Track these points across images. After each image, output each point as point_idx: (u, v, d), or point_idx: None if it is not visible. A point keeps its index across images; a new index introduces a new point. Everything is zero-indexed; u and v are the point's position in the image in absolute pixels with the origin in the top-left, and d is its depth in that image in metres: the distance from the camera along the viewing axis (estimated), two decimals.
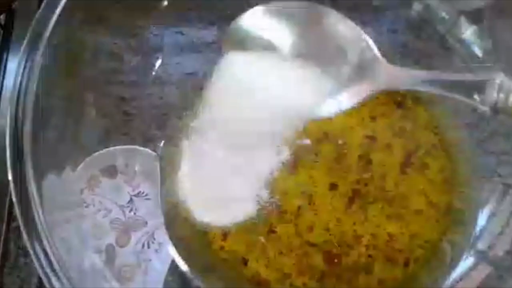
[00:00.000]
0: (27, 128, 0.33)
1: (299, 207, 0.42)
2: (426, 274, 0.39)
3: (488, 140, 0.42)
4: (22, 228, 0.30)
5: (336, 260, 0.40)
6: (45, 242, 0.30)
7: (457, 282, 0.36)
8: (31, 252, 0.30)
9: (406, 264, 0.40)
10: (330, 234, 0.41)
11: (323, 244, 0.41)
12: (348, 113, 0.41)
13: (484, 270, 0.37)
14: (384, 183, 0.42)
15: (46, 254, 0.30)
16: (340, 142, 0.43)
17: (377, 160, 0.43)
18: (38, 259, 0.30)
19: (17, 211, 0.31)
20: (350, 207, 0.41)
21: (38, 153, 0.34)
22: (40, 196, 0.32)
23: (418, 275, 0.39)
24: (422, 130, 0.43)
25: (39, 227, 0.31)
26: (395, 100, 0.45)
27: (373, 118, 0.44)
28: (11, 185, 0.32)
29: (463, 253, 0.38)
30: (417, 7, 0.42)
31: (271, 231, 0.41)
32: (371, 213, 0.41)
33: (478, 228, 0.38)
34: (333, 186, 0.42)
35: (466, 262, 0.37)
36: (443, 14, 0.40)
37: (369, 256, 0.40)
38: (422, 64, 0.45)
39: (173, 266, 0.42)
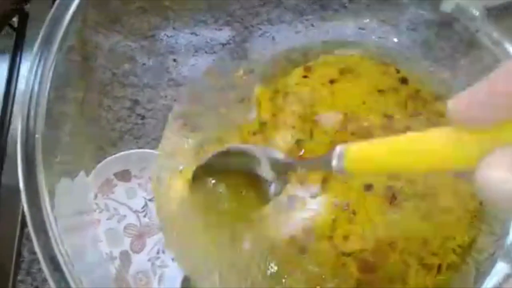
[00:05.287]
0: (39, 133, 0.33)
1: (333, 220, 0.40)
2: (457, 282, 0.37)
3: None
4: (33, 236, 0.29)
5: (371, 269, 0.38)
6: (56, 251, 0.29)
7: None
8: (41, 260, 0.29)
9: (439, 270, 0.38)
10: (365, 242, 0.39)
11: (358, 253, 0.39)
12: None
13: None
14: (414, 177, 0.40)
15: (57, 264, 0.29)
16: None
17: None
18: (48, 268, 0.29)
19: (28, 219, 0.30)
20: (386, 206, 0.40)
21: (51, 159, 0.33)
22: (52, 203, 0.31)
23: (449, 284, 0.37)
24: None
25: (50, 235, 0.30)
26: None
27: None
28: (22, 192, 0.31)
29: (495, 262, 0.36)
30: (446, 4, 0.40)
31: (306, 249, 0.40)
32: (405, 212, 0.39)
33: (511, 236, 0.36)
34: (368, 187, 0.41)
35: (498, 271, 0.35)
36: (473, 11, 0.38)
37: (404, 262, 0.38)
38: (445, 63, 0.44)
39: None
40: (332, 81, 0.45)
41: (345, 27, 0.48)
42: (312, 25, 0.48)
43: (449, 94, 0.40)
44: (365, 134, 0.42)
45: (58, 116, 0.36)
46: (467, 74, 0.42)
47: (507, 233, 0.36)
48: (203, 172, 0.38)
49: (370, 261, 0.38)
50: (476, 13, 0.37)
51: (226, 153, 0.37)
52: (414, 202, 0.40)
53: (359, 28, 0.48)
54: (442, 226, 0.39)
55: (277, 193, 0.36)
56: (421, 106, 0.44)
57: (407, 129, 0.42)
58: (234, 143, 0.42)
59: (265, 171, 0.35)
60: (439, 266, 0.38)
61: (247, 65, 0.47)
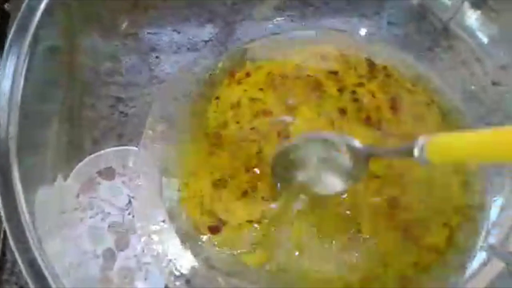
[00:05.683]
0: (14, 135, 0.32)
1: None
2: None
3: None
4: (11, 241, 0.29)
5: None
6: (35, 254, 0.29)
7: (469, 279, 0.34)
8: (21, 265, 0.29)
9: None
10: None
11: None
12: None
13: (496, 267, 0.36)
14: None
15: (37, 267, 0.29)
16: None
17: None
18: (27, 271, 0.29)
19: (5, 226, 0.30)
20: None
21: (28, 161, 0.33)
22: (31, 207, 0.31)
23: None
24: None
25: (29, 238, 0.30)
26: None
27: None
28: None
29: (476, 247, 0.36)
30: None
31: None
32: None
33: (489, 222, 0.37)
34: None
35: (478, 257, 0.36)
36: (446, 1, 0.39)
37: None
38: (426, 57, 0.44)
39: (174, 269, 0.41)
40: None
41: (326, 22, 0.49)
42: (292, 21, 0.48)
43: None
44: None
45: (36, 116, 0.36)
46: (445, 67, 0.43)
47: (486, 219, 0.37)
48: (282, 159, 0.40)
49: None
50: (449, 2, 0.38)
51: (306, 140, 0.39)
52: None
53: (342, 23, 0.49)
54: None
55: (357, 179, 0.37)
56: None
57: None
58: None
59: (345, 158, 0.36)
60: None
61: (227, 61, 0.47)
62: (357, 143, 0.36)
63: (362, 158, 0.36)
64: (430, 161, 0.28)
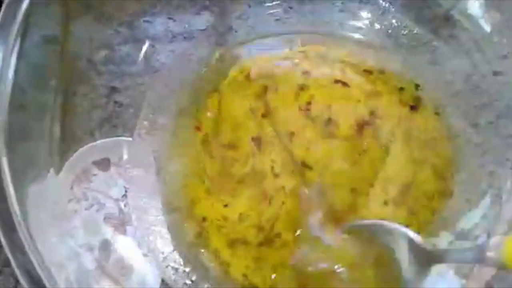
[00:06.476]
0: (3, 124, 0.32)
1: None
2: None
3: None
4: (1, 234, 0.29)
5: None
6: (27, 250, 0.29)
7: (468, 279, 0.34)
8: (11, 259, 0.29)
9: None
10: None
11: None
12: None
13: (490, 271, 0.35)
14: None
15: (29, 263, 0.29)
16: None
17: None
18: (19, 268, 0.28)
19: None
20: None
21: (20, 150, 0.32)
22: (23, 196, 0.31)
23: None
24: None
25: (20, 235, 0.29)
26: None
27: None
28: None
29: None
30: None
31: None
32: None
33: None
34: None
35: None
36: None
37: None
38: (426, 49, 0.44)
39: (170, 261, 0.40)
40: None
41: (326, 12, 0.48)
42: (290, 8, 0.47)
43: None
44: None
45: (28, 106, 0.35)
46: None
47: None
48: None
49: None
50: None
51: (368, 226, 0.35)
52: None
53: (340, 11, 0.48)
54: None
55: (414, 282, 0.31)
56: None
57: None
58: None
59: (403, 255, 0.32)
60: None
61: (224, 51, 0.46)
62: (418, 239, 0.31)
63: (423, 259, 0.31)
64: (506, 263, 0.25)
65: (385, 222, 0.34)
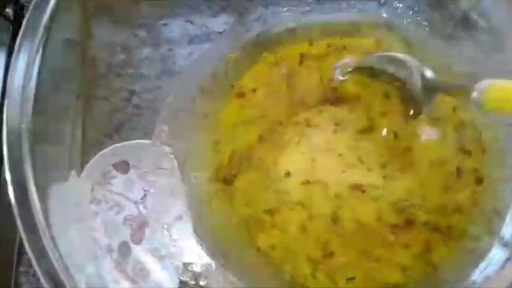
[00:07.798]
0: (27, 128, 0.32)
1: None
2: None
3: None
4: (23, 236, 0.30)
5: None
6: (48, 250, 0.29)
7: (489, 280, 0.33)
8: (33, 262, 0.29)
9: None
10: None
11: None
12: None
13: None
14: None
15: (50, 263, 0.29)
16: None
17: None
18: (42, 269, 0.29)
19: (20, 229, 0.30)
20: None
21: (43, 153, 0.33)
22: (45, 197, 0.31)
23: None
24: None
25: (41, 235, 0.30)
26: None
27: None
28: (11, 196, 0.31)
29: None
30: None
31: None
32: None
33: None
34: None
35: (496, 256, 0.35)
36: None
37: None
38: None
39: (188, 265, 0.41)
40: None
41: (343, 10, 0.47)
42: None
43: None
44: None
45: (50, 109, 0.36)
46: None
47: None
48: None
49: None
50: None
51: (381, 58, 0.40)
52: None
53: (358, 11, 0.47)
54: None
55: (426, 109, 0.37)
56: None
57: None
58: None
59: (416, 83, 0.36)
60: None
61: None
62: (429, 73, 0.35)
63: (430, 89, 0.35)
64: (484, 106, 0.27)
65: (399, 54, 0.39)
